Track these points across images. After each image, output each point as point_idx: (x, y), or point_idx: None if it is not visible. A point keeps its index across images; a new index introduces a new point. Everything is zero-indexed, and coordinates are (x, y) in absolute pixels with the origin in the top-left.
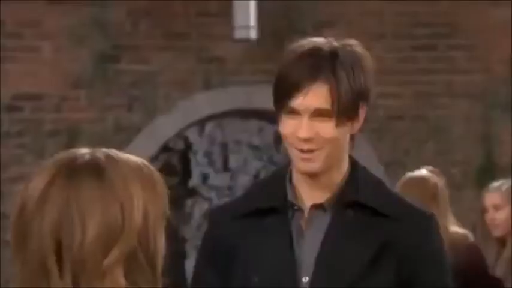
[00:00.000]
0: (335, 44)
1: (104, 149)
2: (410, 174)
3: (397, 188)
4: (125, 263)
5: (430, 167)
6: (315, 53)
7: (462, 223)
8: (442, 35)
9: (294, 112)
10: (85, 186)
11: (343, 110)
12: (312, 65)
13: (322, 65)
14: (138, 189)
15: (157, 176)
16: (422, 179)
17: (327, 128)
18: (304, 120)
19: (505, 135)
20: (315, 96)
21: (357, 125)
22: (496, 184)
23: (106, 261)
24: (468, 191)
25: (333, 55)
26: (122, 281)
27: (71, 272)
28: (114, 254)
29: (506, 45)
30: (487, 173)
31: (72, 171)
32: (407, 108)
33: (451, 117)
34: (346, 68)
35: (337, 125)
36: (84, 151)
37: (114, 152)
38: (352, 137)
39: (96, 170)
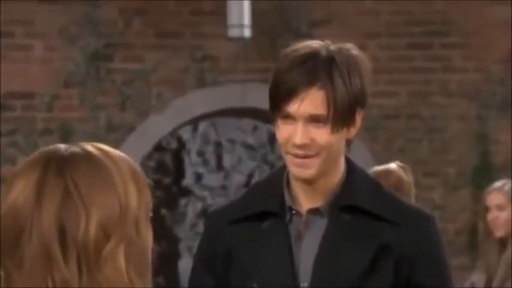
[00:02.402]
0: (332, 48)
1: (90, 143)
2: (376, 167)
3: None
4: (124, 251)
5: (398, 162)
6: (311, 58)
7: (457, 222)
8: (437, 33)
9: (289, 117)
10: (82, 175)
11: (339, 116)
12: (309, 71)
13: (318, 70)
14: (132, 182)
15: (141, 171)
16: (385, 171)
17: (322, 134)
18: (300, 126)
19: (500, 134)
20: (311, 102)
21: (354, 130)
22: (498, 184)
23: (108, 247)
24: (463, 190)
25: (330, 60)
26: (123, 266)
27: (76, 259)
28: (115, 240)
29: (501, 44)
30: (482, 173)
31: (63, 161)
32: (402, 107)
33: (446, 116)
34: (342, 74)
35: (333, 131)
36: (64, 146)
37: (103, 146)
38: (348, 141)
39: (91, 160)
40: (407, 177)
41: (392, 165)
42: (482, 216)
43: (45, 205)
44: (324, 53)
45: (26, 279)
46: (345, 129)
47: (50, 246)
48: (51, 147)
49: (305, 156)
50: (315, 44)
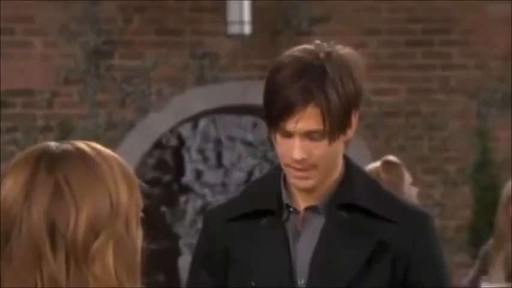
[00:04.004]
0: (321, 55)
1: (82, 141)
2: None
3: None
4: (113, 249)
5: (392, 157)
6: (304, 72)
7: (458, 219)
8: (437, 30)
9: (286, 133)
10: (74, 172)
11: (335, 127)
12: (303, 90)
13: (312, 87)
14: (123, 180)
15: (132, 171)
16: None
17: (320, 148)
18: (297, 142)
19: (500, 131)
20: (307, 119)
21: (351, 132)
22: None
23: (96, 244)
24: (463, 187)
25: (322, 72)
26: (111, 265)
27: (64, 255)
28: (104, 237)
29: (502, 41)
30: (482, 170)
31: (55, 158)
32: (402, 104)
33: (447, 113)
34: (335, 83)
35: (330, 142)
36: (55, 143)
37: (94, 144)
38: (346, 142)
39: (83, 157)
40: (386, 176)
41: (374, 164)
42: (503, 208)
43: (35, 201)
44: (315, 63)
45: (14, 274)
46: (342, 135)
47: (39, 242)
48: (42, 144)
49: (304, 169)
50: (305, 53)
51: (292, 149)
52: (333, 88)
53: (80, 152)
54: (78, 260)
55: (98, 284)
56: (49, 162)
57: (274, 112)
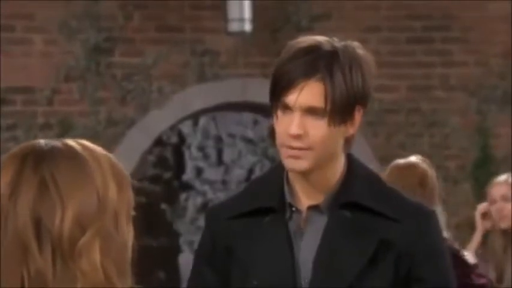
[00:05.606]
0: (337, 44)
1: (73, 139)
2: (398, 160)
3: (385, 174)
4: (100, 245)
5: (420, 156)
6: (314, 50)
7: (458, 216)
8: (437, 27)
9: (288, 108)
10: (60, 168)
11: (336, 110)
12: (309, 63)
13: (319, 63)
14: (112, 177)
15: (124, 170)
16: (410, 166)
17: (318, 127)
18: (296, 117)
19: (500, 128)
20: (309, 93)
21: (352, 129)
22: (502, 177)
23: (82, 240)
24: (464, 184)
25: (333, 54)
26: (98, 261)
27: (51, 251)
28: (90, 233)
29: (502, 38)
30: (482, 167)
31: (42, 155)
32: (402, 102)
33: (447, 110)
34: (344, 70)
35: (329, 125)
36: (45, 141)
37: (85, 142)
38: (348, 140)
39: (70, 153)
40: (432, 172)
41: (414, 159)
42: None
43: (20, 198)
44: (327, 47)
45: (1, 270)
46: (343, 126)
47: (25, 238)
48: (32, 141)
49: (298, 149)
50: (320, 38)
51: (290, 124)
52: (341, 72)
53: (68, 149)
54: (65, 255)
55: (85, 279)
56: (36, 159)
57: (278, 84)
